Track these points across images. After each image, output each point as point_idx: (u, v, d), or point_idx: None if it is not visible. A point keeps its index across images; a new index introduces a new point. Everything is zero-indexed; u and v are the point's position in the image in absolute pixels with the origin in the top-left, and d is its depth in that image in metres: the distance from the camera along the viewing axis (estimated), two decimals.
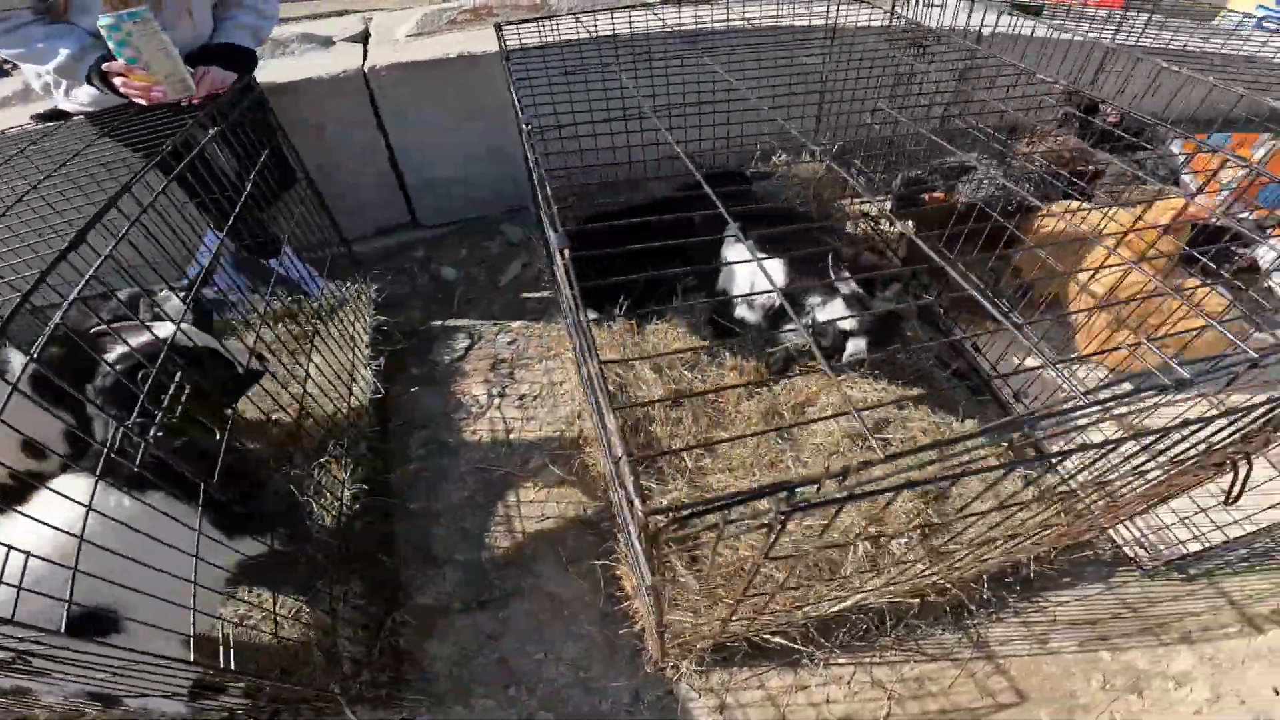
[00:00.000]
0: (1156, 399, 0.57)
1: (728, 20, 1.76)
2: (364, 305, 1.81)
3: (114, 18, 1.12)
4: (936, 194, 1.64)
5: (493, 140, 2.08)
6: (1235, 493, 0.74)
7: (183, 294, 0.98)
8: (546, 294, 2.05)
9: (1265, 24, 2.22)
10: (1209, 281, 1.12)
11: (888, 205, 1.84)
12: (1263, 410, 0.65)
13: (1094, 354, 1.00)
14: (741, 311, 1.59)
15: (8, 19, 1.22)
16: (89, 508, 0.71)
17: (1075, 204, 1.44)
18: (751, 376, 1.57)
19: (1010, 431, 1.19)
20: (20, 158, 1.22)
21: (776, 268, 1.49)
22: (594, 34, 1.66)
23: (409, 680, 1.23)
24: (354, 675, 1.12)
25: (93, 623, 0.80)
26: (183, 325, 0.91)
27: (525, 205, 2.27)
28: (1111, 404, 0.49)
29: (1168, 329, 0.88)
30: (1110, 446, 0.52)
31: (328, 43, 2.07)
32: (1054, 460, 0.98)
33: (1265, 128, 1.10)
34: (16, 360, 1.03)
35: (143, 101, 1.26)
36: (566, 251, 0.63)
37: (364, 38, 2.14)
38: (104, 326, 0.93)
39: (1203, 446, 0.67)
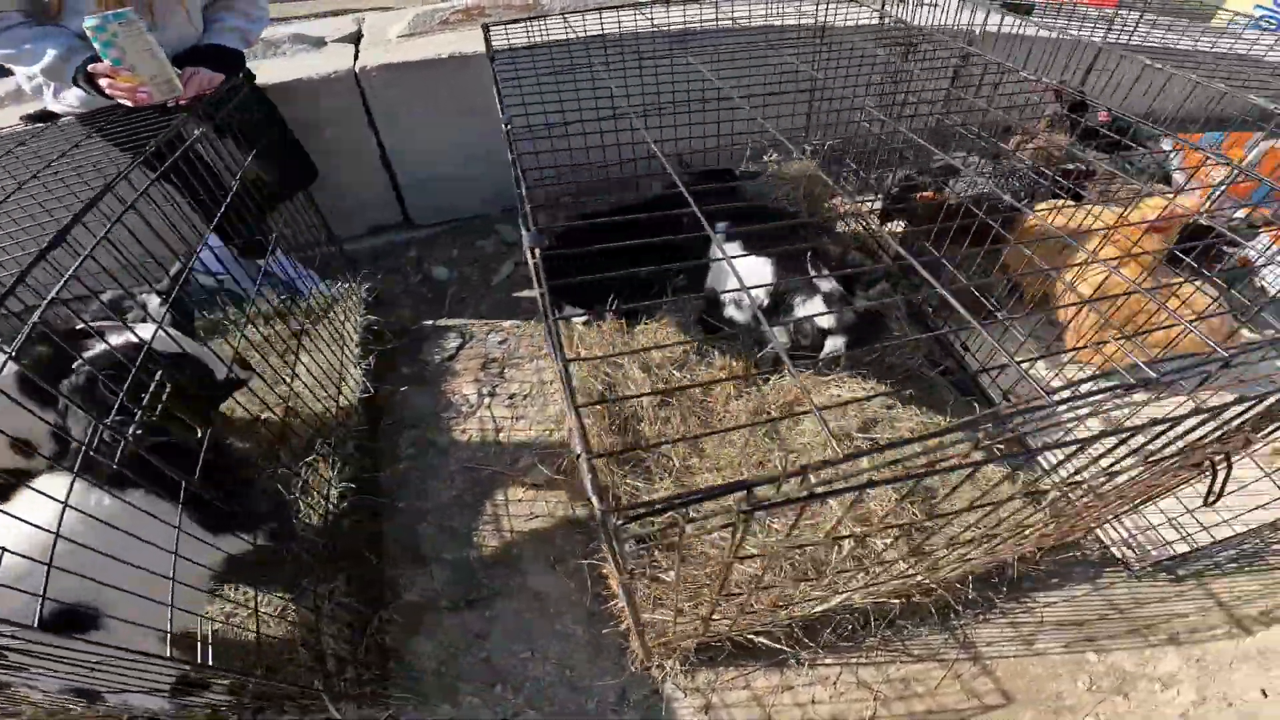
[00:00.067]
0: (1122, 397, 0.56)
1: (717, 20, 1.76)
2: (354, 305, 1.82)
3: (99, 19, 1.13)
4: (926, 193, 1.64)
5: (485, 140, 2.08)
6: (1215, 494, 0.73)
7: (162, 296, 0.98)
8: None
9: (1263, 24, 2.21)
10: (1188, 278, 1.12)
11: (871, 204, 1.84)
12: (1238, 410, 0.64)
13: (1064, 351, 1.00)
14: (730, 311, 1.59)
15: None
16: (65, 504, 0.72)
17: (1061, 203, 1.44)
18: (741, 377, 1.57)
19: (973, 429, 1.18)
20: (9, 158, 1.23)
21: (764, 267, 1.49)
22: (583, 34, 1.67)
23: (395, 678, 1.23)
24: (338, 672, 1.12)
25: (72, 619, 0.80)
26: (161, 329, 0.91)
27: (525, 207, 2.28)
28: (1073, 401, 0.49)
29: (1151, 328, 0.87)
30: (1078, 446, 0.52)
31: (320, 43, 2.08)
32: (1023, 458, 0.98)
33: (1258, 127, 1.09)
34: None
35: (128, 103, 1.26)
36: (537, 251, 0.63)
37: (356, 38, 2.15)
38: (83, 327, 0.93)
39: (1177, 447, 0.66)
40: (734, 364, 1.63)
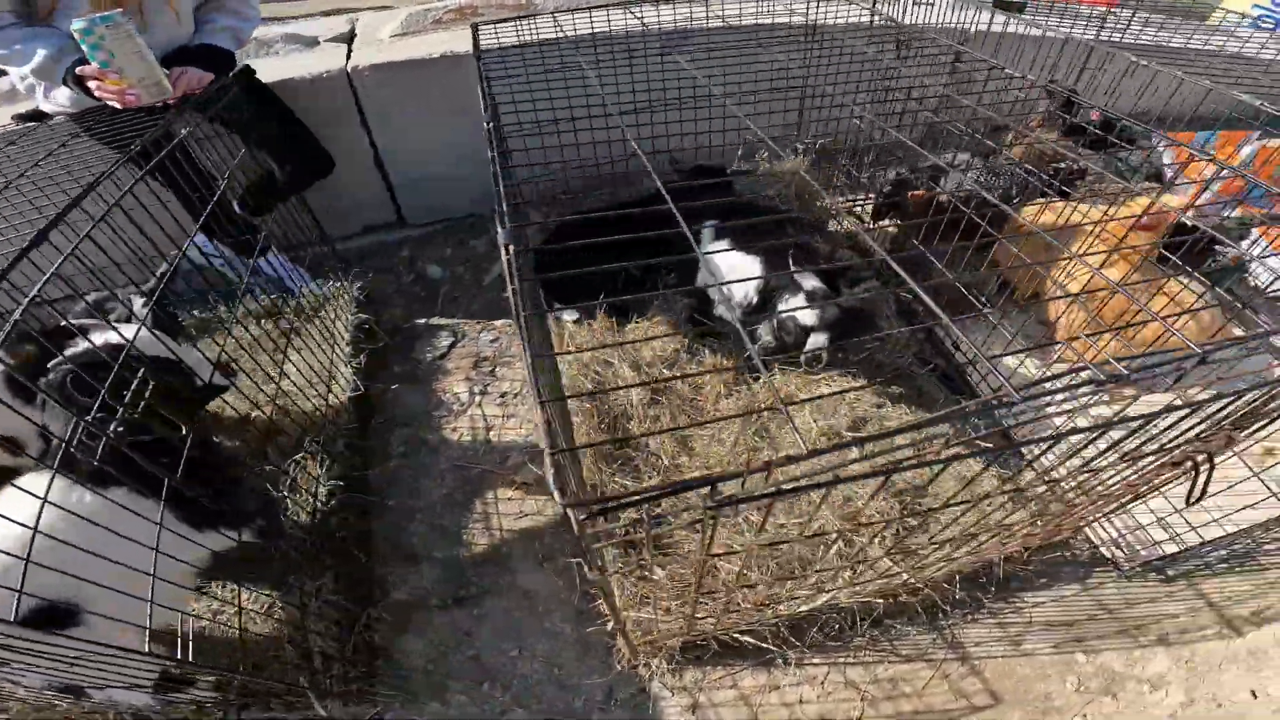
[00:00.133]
0: (1093, 393, 0.56)
1: (707, 18, 1.76)
2: (345, 303, 1.82)
3: (86, 22, 1.13)
4: (917, 191, 1.64)
5: (477, 140, 2.06)
6: (1197, 494, 0.73)
7: (146, 296, 0.99)
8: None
9: (1261, 23, 2.20)
10: (1172, 274, 1.11)
11: (855, 202, 1.83)
12: (1216, 407, 0.64)
13: (1037, 347, 0.99)
14: (720, 309, 1.59)
15: None
16: (44, 500, 0.72)
17: (1048, 201, 1.43)
18: (730, 375, 1.57)
19: (948, 423, 1.18)
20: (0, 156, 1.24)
21: (752, 264, 1.49)
22: (574, 33, 1.67)
23: (383, 676, 1.23)
24: (325, 670, 1.12)
25: (52, 615, 0.81)
26: (141, 333, 0.91)
27: (515, 203, 2.28)
28: (1037, 395, 0.48)
29: (1125, 324, 0.87)
30: (1052, 441, 0.52)
31: (313, 43, 2.08)
32: (995, 456, 0.97)
33: (1249, 125, 1.08)
34: None
35: (117, 105, 1.27)
36: (511, 247, 0.63)
37: (349, 38, 2.15)
38: (66, 326, 0.94)
39: (1157, 445, 0.66)
40: (724, 362, 1.63)
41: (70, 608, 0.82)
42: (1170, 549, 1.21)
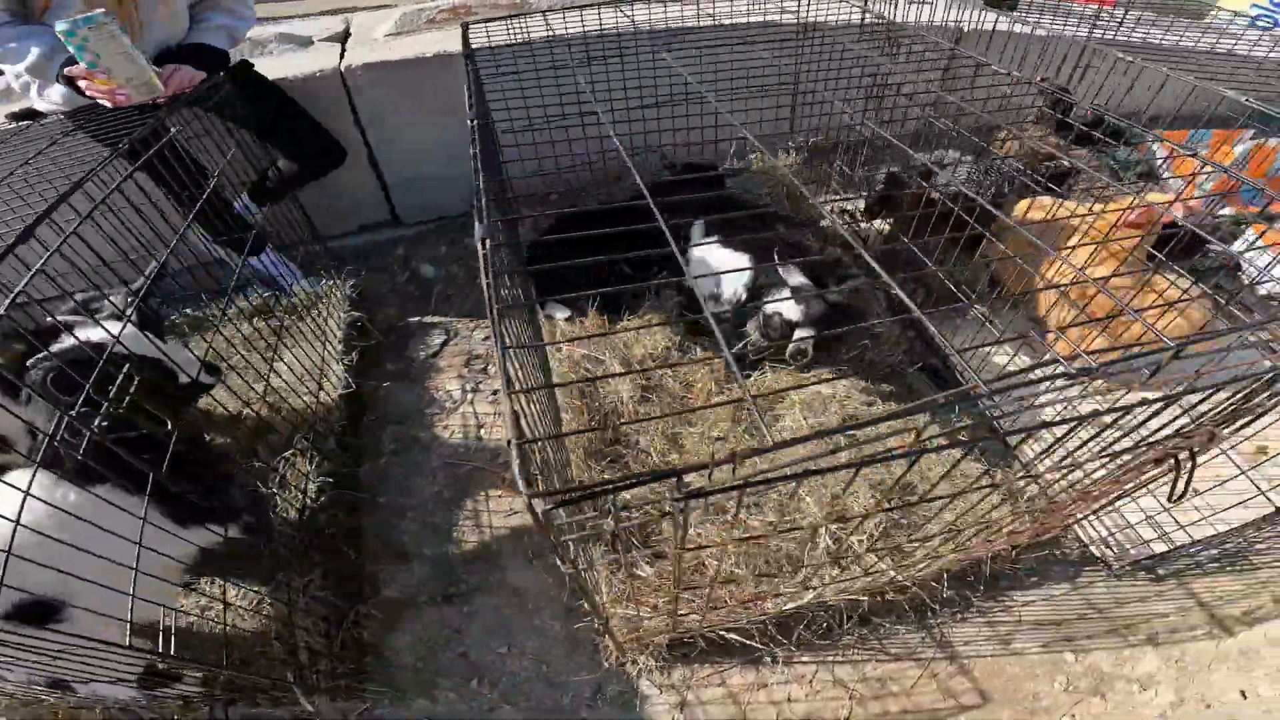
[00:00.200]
0: (1062, 386, 0.56)
1: (698, 17, 1.76)
2: (338, 301, 1.83)
3: (68, 23, 1.12)
4: (910, 189, 1.63)
5: (469, 139, 2.09)
6: (1179, 491, 0.73)
7: (132, 294, 0.99)
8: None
9: (1260, 22, 2.19)
10: (1156, 269, 1.11)
11: (838, 201, 1.82)
12: (1193, 403, 0.64)
13: (1011, 340, 0.98)
14: (709, 306, 1.59)
15: None
16: (26, 493, 0.72)
17: (1036, 200, 1.43)
18: (721, 372, 1.57)
19: (915, 415, 1.17)
20: None
21: (740, 261, 1.49)
22: (565, 32, 1.67)
23: (372, 673, 1.24)
24: (312, 665, 1.12)
25: (36, 610, 0.81)
26: (125, 329, 0.91)
27: (507, 197, 2.28)
28: (1007, 389, 0.48)
29: (1123, 321, 0.87)
30: (1024, 435, 0.52)
31: (306, 43, 2.09)
32: (970, 447, 0.96)
33: (1246, 124, 1.08)
34: None
35: (108, 104, 1.28)
36: (488, 242, 0.63)
37: (344, 37, 2.16)
38: (53, 324, 0.94)
39: (1134, 440, 0.65)
40: (715, 358, 1.63)
41: (54, 603, 0.82)
42: (1160, 548, 1.20)
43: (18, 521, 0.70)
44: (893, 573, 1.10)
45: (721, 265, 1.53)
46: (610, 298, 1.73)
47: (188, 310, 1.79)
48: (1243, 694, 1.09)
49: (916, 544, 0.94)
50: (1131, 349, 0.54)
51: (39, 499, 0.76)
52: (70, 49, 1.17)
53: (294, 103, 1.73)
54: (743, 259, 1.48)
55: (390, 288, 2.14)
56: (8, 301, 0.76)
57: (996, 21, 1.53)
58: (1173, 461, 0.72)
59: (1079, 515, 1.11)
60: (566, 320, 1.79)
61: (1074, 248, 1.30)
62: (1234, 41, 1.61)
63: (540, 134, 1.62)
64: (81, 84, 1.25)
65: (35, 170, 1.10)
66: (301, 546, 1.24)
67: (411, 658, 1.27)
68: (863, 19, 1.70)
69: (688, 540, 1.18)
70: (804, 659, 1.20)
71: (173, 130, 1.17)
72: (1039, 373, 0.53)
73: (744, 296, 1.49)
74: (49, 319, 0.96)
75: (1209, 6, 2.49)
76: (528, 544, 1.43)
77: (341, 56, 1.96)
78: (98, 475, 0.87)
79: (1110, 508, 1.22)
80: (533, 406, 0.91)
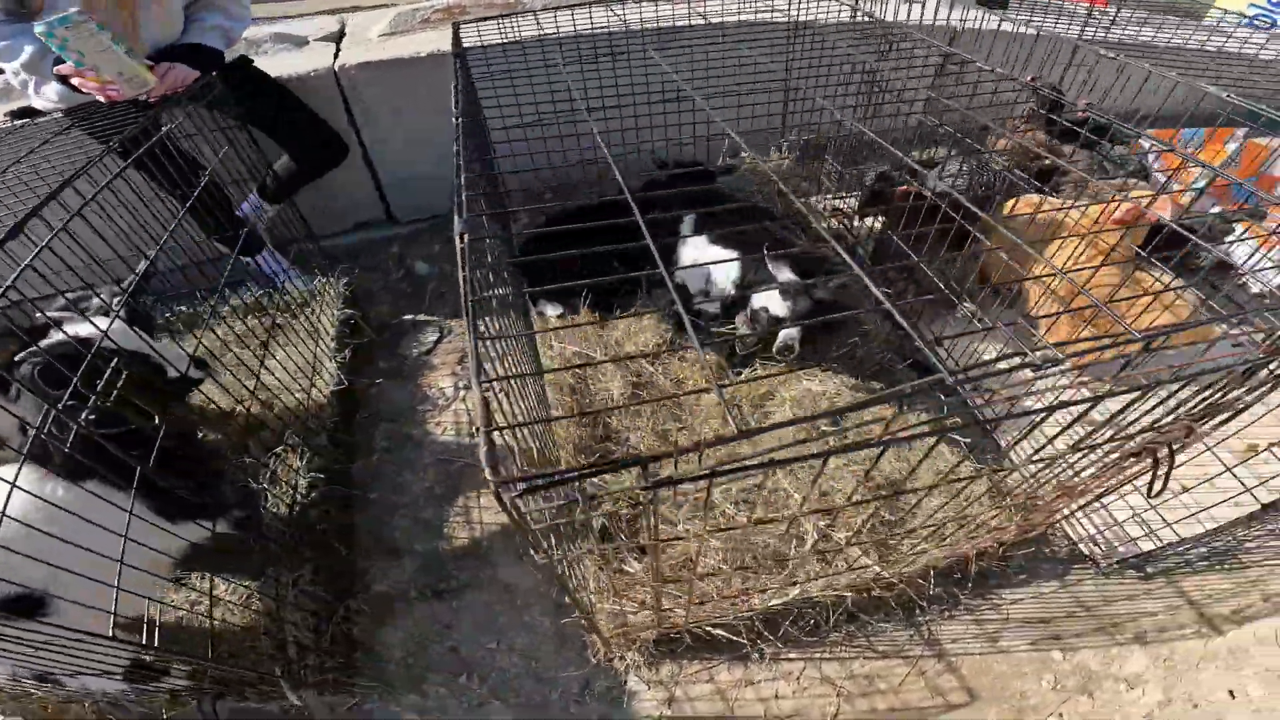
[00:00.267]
0: (1033, 379, 0.56)
1: (690, 17, 1.77)
2: (331, 299, 1.84)
3: (45, 25, 1.11)
4: (903, 187, 1.63)
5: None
6: (1158, 486, 0.72)
7: (121, 290, 1.00)
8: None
9: (1257, 22, 2.18)
10: (1139, 264, 1.10)
11: (823, 200, 1.82)
12: (1166, 395, 0.64)
13: (977, 331, 0.99)
14: (700, 303, 1.60)
15: None
16: (13, 484, 0.73)
17: (1016, 198, 1.43)
18: (711, 370, 1.57)
19: (880, 404, 1.16)
20: None
21: (729, 257, 1.49)
22: (557, 32, 1.68)
23: (362, 668, 1.24)
24: (300, 660, 1.13)
25: (20, 602, 0.82)
26: (114, 326, 0.92)
27: (499, 192, 2.29)
28: (970, 379, 0.48)
29: (1108, 319, 0.87)
30: (994, 424, 0.52)
31: (302, 42, 2.10)
32: (939, 436, 0.95)
33: (1230, 121, 1.07)
34: None
35: (102, 99, 1.29)
36: (465, 236, 0.64)
37: (339, 37, 2.17)
38: (44, 321, 0.95)
39: (1107, 434, 0.65)
40: (706, 356, 1.63)
41: (40, 597, 0.83)
42: (1148, 546, 1.20)
43: (2, 514, 0.71)
44: (877, 568, 1.10)
45: (710, 261, 1.54)
46: (602, 296, 1.74)
47: (182, 308, 1.80)
48: (1231, 694, 1.09)
49: (899, 536, 0.94)
50: (1102, 340, 0.54)
51: (25, 490, 0.77)
52: (54, 49, 1.18)
53: (294, 96, 1.74)
54: (730, 254, 1.49)
55: (384, 285, 2.15)
56: None
57: (980, 19, 1.53)
58: (1150, 456, 0.72)
59: (1063, 511, 1.11)
60: (559, 317, 1.79)
61: (1051, 238, 1.30)
62: (1224, 39, 1.60)
63: (532, 131, 1.63)
64: (75, 81, 1.27)
65: (30, 168, 1.11)
66: (292, 542, 1.25)
67: (401, 653, 1.28)
68: (853, 17, 1.70)
69: (666, 533, 1.18)
70: (792, 656, 1.20)
71: (165, 128, 1.18)
72: (1008, 364, 0.53)
73: (732, 292, 1.49)
74: (39, 315, 0.98)
75: (1206, 6, 2.48)
76: (518, 541, 1.43)
77: (336, 56, 1.97)
78: (86, 470, 0.87)
79: (1098, 505, 1.22)
80: (524, 403, 0.91)
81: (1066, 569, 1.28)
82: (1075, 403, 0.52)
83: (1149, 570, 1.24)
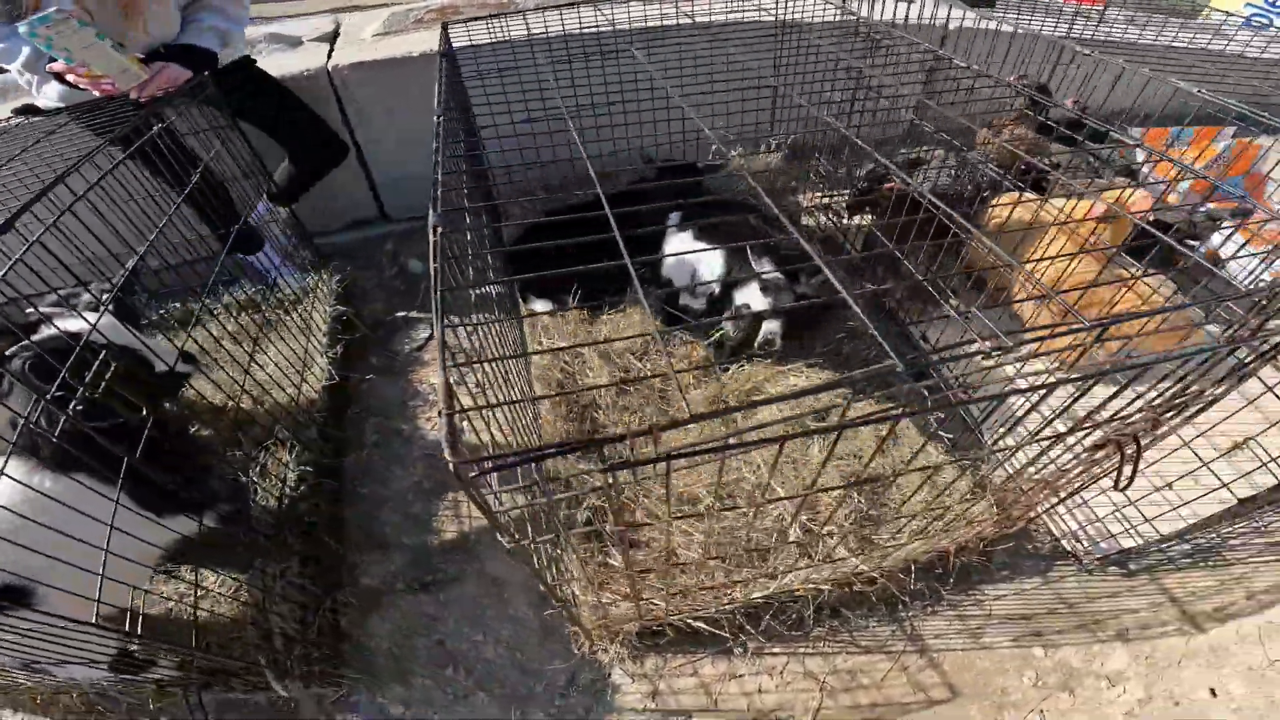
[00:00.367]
0: (994, 365, 0.56)
1: (677, 16, 1.78)
2: (324, 296, 1.86)
3: (27, 25, 1.12)
4: (890, 184, 1.64)
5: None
6: (1126, 478, 0.73)
7: (112, 287, 1.01)
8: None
9: (1254, 22, 2.18)
10: (1115, 258, 1.10)
11: (807, 200, 1.82)
12: (1121, 385, 0.64)
13: (944, 316, 0.99)
14: (685, 299, 1.61)
15: None
16: (1, 472, 0.75)
17: (1018, 196, 1.43)
18: (700, 365, 1.58)
19: (841, 388, 1.16)
20: None
21: (713, 256, 1.50)
22: (546, 32, 1.69)
23: (348, 659, 1.25)
24: (286, 651, 1.14)
25: (7, 594, 0.83)
26: (103, 320, 0.94)
27: (489, 186, 2.31)
28: (923, 365, 0.49)
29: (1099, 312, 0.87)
30: (952, 408, 0.52)
31: (296, 43, 2.12)
32: (898, 418, 0.95)
33: (1216, 119, 1.07)
34: None
35: (97, 94, 1.31)
36: (439, 229, 0.65)
37: (333, 37, 2.20)
38: (36, 316, 0.97)
39: (1066, 425, 0.66)
40: (693, 352, 1.64)
41: (26, 586, 0.84)
42: (1129, 543, 1.20)
43: None
44: (855, 560, 1.10)
45: (693, 257, 1.55)
46: (590, 293, 1.75)
47: (176, 305, 1.82)
48: (1212, 692, 1.09)
49: (871, 526, 0.94)
50: (1057, 328, 0.55)
51: (12, 479, 0.78)
52: (41, 48, 1.19)
53: (295, 97, 1.76)
54: (713, 250, 1.50)
55: (378, 283, 2.17)
56: None
57: (968, 19, 1.53)
58: (1116, 448, 0.72)
59: (1041, 505, 1.11)
60: (548, 314, 1.81)
61: (1029, 229, 1.30)
62: (1223, 42, 1.60)
63: (522, 129, 1.64)
64: (69, 78, 1.29)
65: (24, 164, 1.13)
66: (280, 535, 1.26)
67: (388, 645, 1.29)
68: (839, 17, 1.71)
69: (635, 520, 1.19)
70: (775, 650, 1.21)
71: (156, 127, 1.20)
72: (964, 350, 0.54)
73: (716, 289, 1.50)
74: (30, 310, 0.99)
75: (1201, 6, 2.48)
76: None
77: (329, 56, 1.99)
78: (74, 462, 0.89)
79: (1079, 501, 1.22)
80: (510, 393, 0.92)
81: (1049, 565, 1.28)
82: (1032, 390, 0.52)
83: (1132, 567, 1.24)
